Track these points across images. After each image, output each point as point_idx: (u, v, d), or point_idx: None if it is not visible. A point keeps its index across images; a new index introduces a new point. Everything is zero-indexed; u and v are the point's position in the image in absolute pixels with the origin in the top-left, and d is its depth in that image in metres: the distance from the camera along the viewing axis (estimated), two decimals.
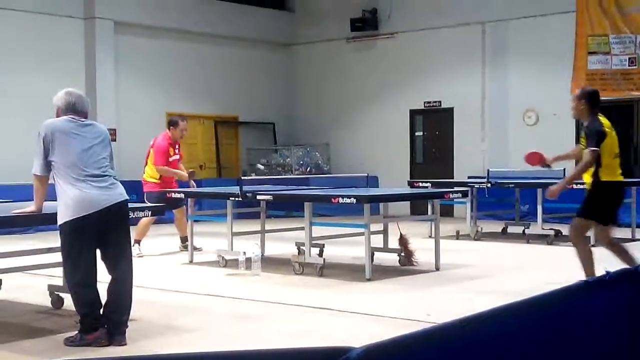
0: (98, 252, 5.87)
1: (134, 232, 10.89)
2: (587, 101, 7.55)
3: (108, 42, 16.27)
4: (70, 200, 5.66)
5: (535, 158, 8.61)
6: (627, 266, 5.66)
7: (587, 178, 7.47)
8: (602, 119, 7.59)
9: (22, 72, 15.20)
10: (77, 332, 5.83)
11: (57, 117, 5.95)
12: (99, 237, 5.77)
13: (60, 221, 5.72)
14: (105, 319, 5.83)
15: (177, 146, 11.22)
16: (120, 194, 5.85)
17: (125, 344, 5.75)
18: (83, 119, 5.94)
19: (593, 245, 8.29)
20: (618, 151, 7.69)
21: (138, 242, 10.80)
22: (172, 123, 11.25)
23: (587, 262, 7.24)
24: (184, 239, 11.14)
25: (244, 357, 1.61)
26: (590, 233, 8.20)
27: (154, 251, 11.05)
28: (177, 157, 11.19)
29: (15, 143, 14.35)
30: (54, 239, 5.91)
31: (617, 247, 7.41)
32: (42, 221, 6.59)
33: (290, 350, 1.66)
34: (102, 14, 16.15)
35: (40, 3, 15.49)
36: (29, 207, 6.04)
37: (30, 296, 7.63)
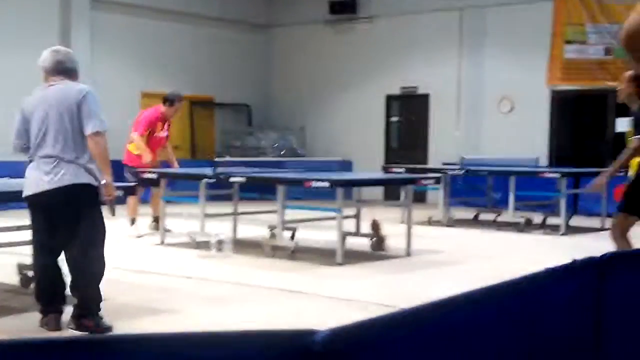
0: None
1: (126, 211, 10.88)
2: (637, 84, 7.04)
3: (84, 19, 16.09)
4: (26, 178, 5.65)
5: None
6: None
7: (634, 169, 6.99)
8: None
9: None
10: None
11: (44, 80, 5.67)
12: (55, 220, 5.60)
13: None
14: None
15: (167, 124, 11.01)
16: (60, 179, 5.45)
17: (89, 330, 5.55)
18: (56, 82, 5.61)
19: None
20: None
21: (133, 220, 10.69)
22: (168, 100, 10.90)
23: None
24: (157, 218, 11.02)
25: (210, 338, 1.60)
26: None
27: (126, 232, 10.96)
28: (165, 134, 11.00)
29: None
30: (24, 217, 5.85)
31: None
32: (10, 198, 6.51)
33: (256, 333, 1.65)
34: None
35: None
36: None
37: None
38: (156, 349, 1.51)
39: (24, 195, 5.64)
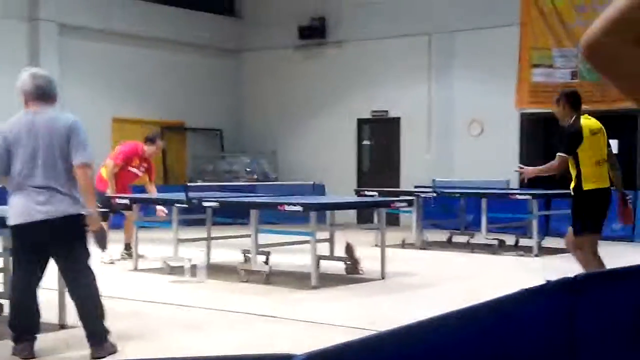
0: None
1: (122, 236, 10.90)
2: (566, 102, 7.16)
3: (52, 45, 16.03)
4: (12, 206, 5.56)
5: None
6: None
7: (572, 185, 7.06)
8: (586, 122, 7.13)
9: None
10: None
11: (24, 104, 5.60)
12: (42, 250, 5.57)
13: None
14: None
15: (145, 163, 10.90)
16: (55, 210, 5.44)
17: (103, 356, 5.57)
18: (40, 110, 5.54)
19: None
20: (603, 157, 7.18)
21: (128, 245, 10.81)
22: (150, 140, 10.91)
23: None
24: (128, 246, 10.97)
25: None
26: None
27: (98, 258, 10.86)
28: (139, 173, 10.87)
29: None
30: None
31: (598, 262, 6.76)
32: None
33: (231, 357, 1.65)
34: (47, 16, 15.90)
35: None
36: None
37: None
38: None
39: (12, 223, 5.55)
